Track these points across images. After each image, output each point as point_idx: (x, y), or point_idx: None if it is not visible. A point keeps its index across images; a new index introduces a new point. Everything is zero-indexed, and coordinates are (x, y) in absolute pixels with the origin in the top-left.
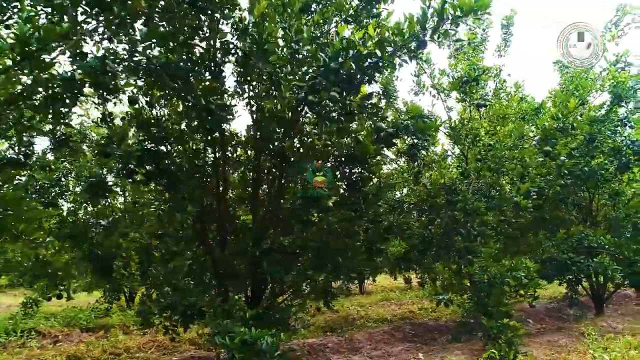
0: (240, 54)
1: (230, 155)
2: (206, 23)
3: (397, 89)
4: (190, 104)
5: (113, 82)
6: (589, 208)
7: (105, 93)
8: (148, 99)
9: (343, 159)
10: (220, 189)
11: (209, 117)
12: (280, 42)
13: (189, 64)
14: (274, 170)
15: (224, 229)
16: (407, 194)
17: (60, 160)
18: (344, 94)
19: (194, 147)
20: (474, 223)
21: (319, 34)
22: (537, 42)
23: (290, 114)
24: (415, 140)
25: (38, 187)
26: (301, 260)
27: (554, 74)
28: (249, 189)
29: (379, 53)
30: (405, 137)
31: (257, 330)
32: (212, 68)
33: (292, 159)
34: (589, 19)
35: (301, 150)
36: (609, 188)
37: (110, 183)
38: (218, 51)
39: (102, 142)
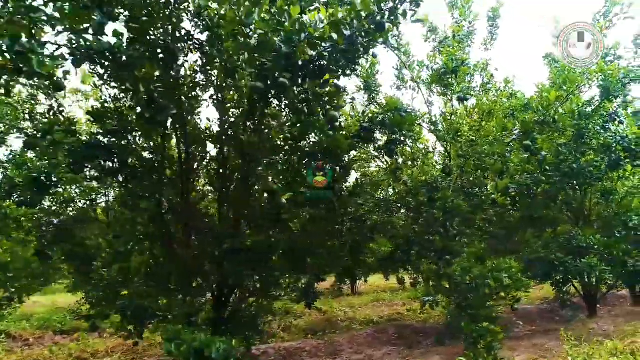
0: (197, 41)
1: (194, 150)
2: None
3: (380, 84)
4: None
5: (28, 65)
6: (581, 207)
7: (20, 75)
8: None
9: (315, 154)
10: (184, 185)
11: (152, 106)
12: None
13: (141, 51)
14: (239, 166)
15: (190, 228)
16: (394, 193)
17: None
18: (300, 82)
19: (156, 142)
20: (453, 222)
21: (283, 20)
22: (535, 40)
23: (248, 105)
24: (393, 136)
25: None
26: (268, 261)
27: (547, 69)
28: (215, 186)
29: (335, 37)
30: (383, 132)
31: (220, 335)
32: (165, 55)
33: (250, 154)
34: (586, 17)
35: (262, 145)
36: (601, 186)
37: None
38: (170, 37)
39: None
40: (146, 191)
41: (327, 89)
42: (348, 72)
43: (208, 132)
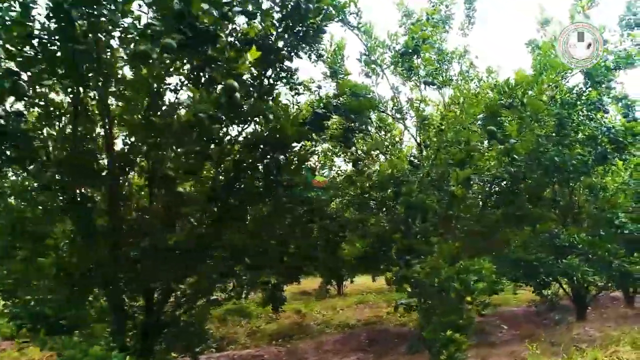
0: None
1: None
2: None
3: (349, 72)
4: None
5: None
6: (569, 204)
7: None
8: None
9: (255, 142)
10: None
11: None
12: None
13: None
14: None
15: (113, 225)
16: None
17: None
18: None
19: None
20: (416, 219)
21: None
22: (522, 29)
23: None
24: (352, 123)
25: None
26: (202, 262)
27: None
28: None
29: None
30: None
31: (152, 345)
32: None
33: (160, 139)
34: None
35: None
36: (589, 181)
37: None
38: None
39: None
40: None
41: (227, 55)
42: (305, 51)
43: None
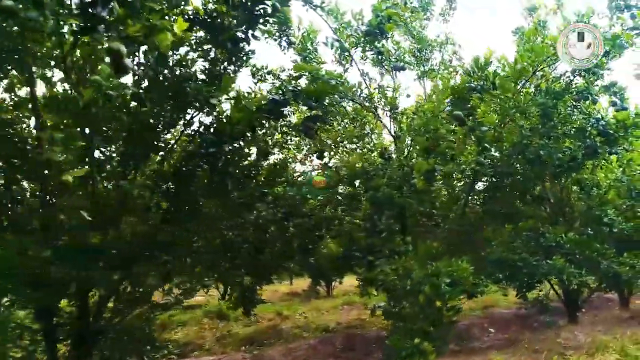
0: None
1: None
2: None
3: (323, 60)
4: None
5: None
6: (560, 201)
7: None
8: None
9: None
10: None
11: None
12: None
13: None
14: None
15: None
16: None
17: None
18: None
19: None
20: (382, 216)
21: None
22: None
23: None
24: (311, 111)
25: None
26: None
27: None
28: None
29: None
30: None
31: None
32: None
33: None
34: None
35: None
36: (579, 177)
37: None
38: None
39: None
40: None
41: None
42: (262, 32)
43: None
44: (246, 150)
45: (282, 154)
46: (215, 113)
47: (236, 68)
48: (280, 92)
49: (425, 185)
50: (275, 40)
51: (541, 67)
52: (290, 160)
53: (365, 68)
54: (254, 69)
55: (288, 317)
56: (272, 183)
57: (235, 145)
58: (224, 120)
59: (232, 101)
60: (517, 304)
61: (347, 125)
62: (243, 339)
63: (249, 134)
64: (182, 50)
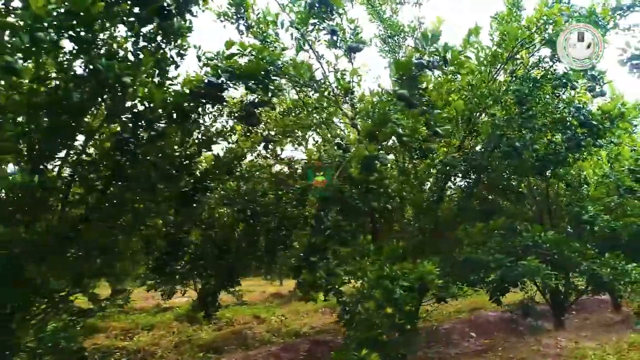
0: None
1: None
2: None
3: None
4: None
5: None
6: (546, 199)
7: None
8: None
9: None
10: None
11: None
12: None
13: None
14: None
15: None
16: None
17: None
18: None
19: None
20: (329, 213)
21: None
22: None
23: None
24: (253, 96)
25: None
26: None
27: None
28: None
29: None
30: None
31: None
32: None
33: None
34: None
35: None
36: (564, 172)
37: None
38: None
39: None
40: None
41: None
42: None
43: None
44: (177, 138)
45: (231, 143)
46: (137, 95)
47: (177, 49)
48: (216, 73)
49: (362, 175)
50: (233, 23)
51: (518, 51)
52: (246, 151)
53: (323, 51)
54: (202, 53)
55: (265, 320)
56: (215, 176)
57: (155, 131)
58: (144, 103)
59: (152, 81)
60: (506, 306)
61: (300, 113)
62: (202, 345)
63: (179, 120)
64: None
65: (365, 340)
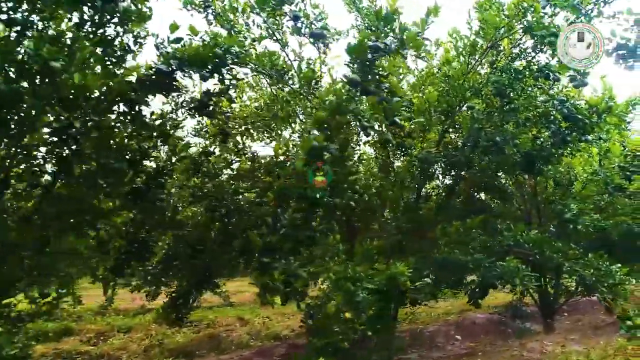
0: None
1: None
2: None
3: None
4: None
5: None
6: (533, 197)
7: None
8: None
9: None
10: None
11: None
12: None
13: None
14: None
15: None
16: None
17: None
18: None
19: None
20: (287, 210)
21: None
22: None
23: None
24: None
25: None
26: None
27: None
28: None
29: None
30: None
31: None
32: None
33: None
34: None
35: None
36: (551, 169)
37: None
38: None
39: None
40: None
41: None
42: None
43: None
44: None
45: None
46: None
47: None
48: (166, 60)
49: (301, 167)
50: (200, 12)
51: (498, 40)
52: (214, 147)
53: (291, 39)
54: (160, 42)
55: (248, 321)
56: (175, 172)
57: (92, 121)
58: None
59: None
60: (494, 308)
61: (262, 104)
62: (173, 350)
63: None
64: None
65: (325, 347)
